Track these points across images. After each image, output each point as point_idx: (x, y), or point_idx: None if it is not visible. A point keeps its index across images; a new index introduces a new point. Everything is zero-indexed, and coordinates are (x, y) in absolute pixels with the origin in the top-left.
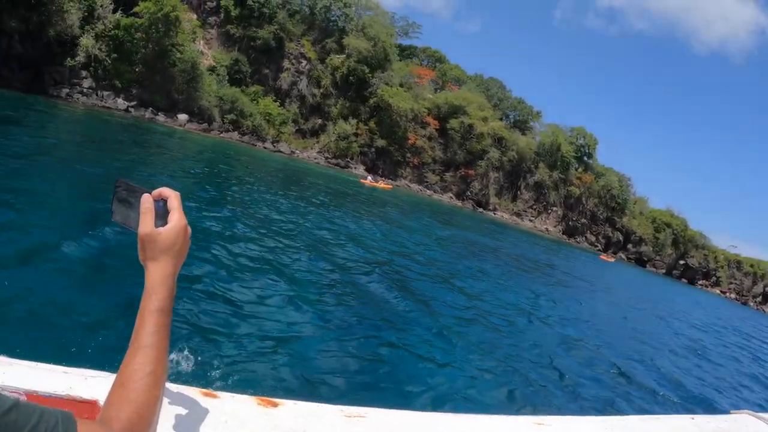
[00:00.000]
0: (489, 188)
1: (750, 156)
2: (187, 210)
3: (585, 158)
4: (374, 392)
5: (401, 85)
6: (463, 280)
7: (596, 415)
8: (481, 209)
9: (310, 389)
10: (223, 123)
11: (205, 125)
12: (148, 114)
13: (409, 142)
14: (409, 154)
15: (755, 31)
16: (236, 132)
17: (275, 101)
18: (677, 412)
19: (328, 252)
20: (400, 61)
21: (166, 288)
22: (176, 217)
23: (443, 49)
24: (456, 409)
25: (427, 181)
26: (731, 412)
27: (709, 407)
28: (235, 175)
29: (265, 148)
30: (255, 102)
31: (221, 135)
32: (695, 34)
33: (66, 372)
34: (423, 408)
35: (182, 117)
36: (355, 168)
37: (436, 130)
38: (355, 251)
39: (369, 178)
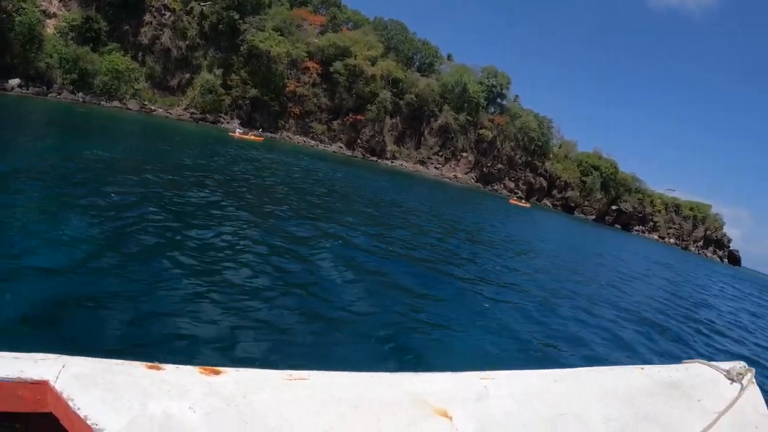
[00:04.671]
0: (385, 135)
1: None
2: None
3: (498, 99)
4: (315, 357)
5: (278, 30)
6: (372, 238)
7: (543, 368)
8: (375, 158)
9: (253, 358)
10: (63, 84)
11: (41, 89)
12: None
13: (288, 90)
14: (290, 104)
15: None
16: (81, 93)
17: (133, 58)
18: (628, 363)
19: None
20: (282, 5)
21: None
22: None
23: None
24: (399, 368)
25: (312, 132)
26: (683, 361)
27: (662, 357)
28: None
29: (114, 107)
30: (107, 61)
31: (59, 98)
32: None
33: (17, 357)
34: (366, 368)
35: (13, 81)
36: (228, 122)
37: (320, 75)
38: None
39: (237, 131)
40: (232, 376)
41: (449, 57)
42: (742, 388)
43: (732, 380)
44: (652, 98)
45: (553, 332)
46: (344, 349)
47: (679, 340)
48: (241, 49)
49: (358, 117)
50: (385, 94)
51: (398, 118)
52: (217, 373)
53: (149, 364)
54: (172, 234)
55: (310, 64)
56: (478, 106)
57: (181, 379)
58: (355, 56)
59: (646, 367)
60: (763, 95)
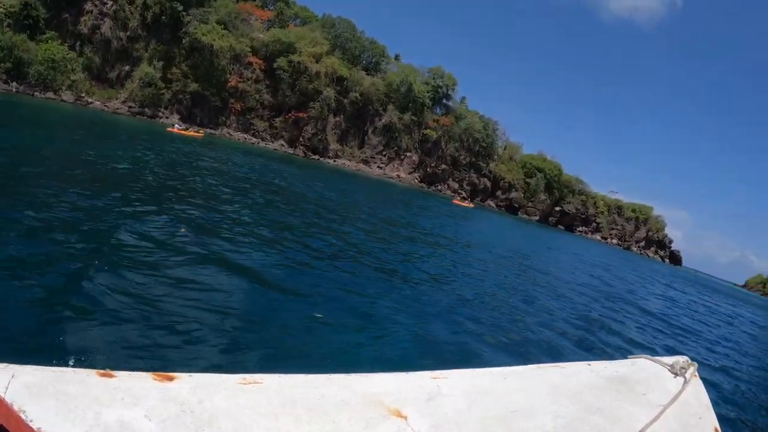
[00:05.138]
0: (327, 133)
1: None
2: None
3: (444, 100)
4: (270, 359)
5: (222, 24)
6: (313, 238)
7: (493, 366)
8: (317, 156)
9: (207, 362)
10: None
11: None
12: None
13: (230, 85)
14: (231, 100)
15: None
16: (15, 83)
17: (71, 47)
18: (575, 359)
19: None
20: None
21: None
22: None
23: None
24: (353, 369)
25: (254, 129)
26: (628, 357)
27: (610, 354)
28: None
29: (48, 98)
30: (43, 49)
31: None
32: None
33: None
34: (320, 370)
35: None
36: (167, 117)
37: (263, 71)
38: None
39: (176, 126)
40: (186, 382)
41: (397, 57)
42: (686, 382)
43: (676, 374)
44: (600, 104)
45: (498, 330)
46: (299, 351)
47: (621, 337)
48: (183, 41)
49: (301, 114)
50: (329, 92)
51: (342, 116)
52: (171, 379)
53: (101, 371)
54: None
55: (253, 59)
56: (423, 106)
57: (134, 386)
58: (300, 53)
59: (593, 363)
60: (704, 105)
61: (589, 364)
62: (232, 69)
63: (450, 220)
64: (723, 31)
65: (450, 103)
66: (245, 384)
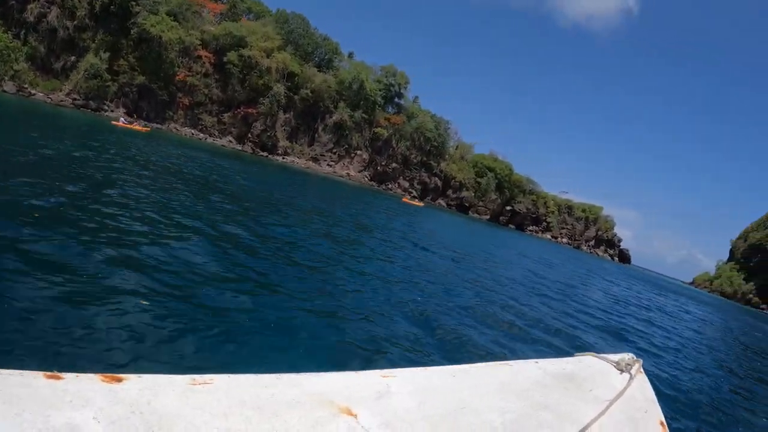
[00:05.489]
0: (277, 130)
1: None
2: None
3: (396, 99)
4: (221, 359)
5: (173, 15)
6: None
7: (442, 365)
8: (266, 153)
9: (156, 363)
10: None
11: None
12: None
13: (178, 78)
14: (180, 94)
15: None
16: None
17: (16, 36)
18: (523, 357)
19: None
20: None
21: None
22: None
23: None
24: (303, 368)
25: (202, 124)
26: (575, 354)
27: (557, 351)
28: None
29: None
30: None
31: None
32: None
33: None
34: (270, 369)
35: None
36: (113, 111)
37: (212, 65)
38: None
39: (121, 119)
40: (134, 383)
41: (350, 55)
42: (631, 378)
43: (621, 371)
44: (554, 107)
45: (445, 329)
46: (244, 351)
47: (567, 334)
48: (132, 32)
49: (250, 110)
50: (280, 88)
51: (292, 113)
52: (119, 380)
53: (48, 373)
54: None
55: (203, 52)
56: (374, 105)
57: (82, 387)
58: (251, 47)
59: (541, 360)
60: (653, 107)
61: (537, 362)
62: (181, 62)
63: (397, 219)
64: (676, 37)
65: (402, 102)
66: (195, 384)
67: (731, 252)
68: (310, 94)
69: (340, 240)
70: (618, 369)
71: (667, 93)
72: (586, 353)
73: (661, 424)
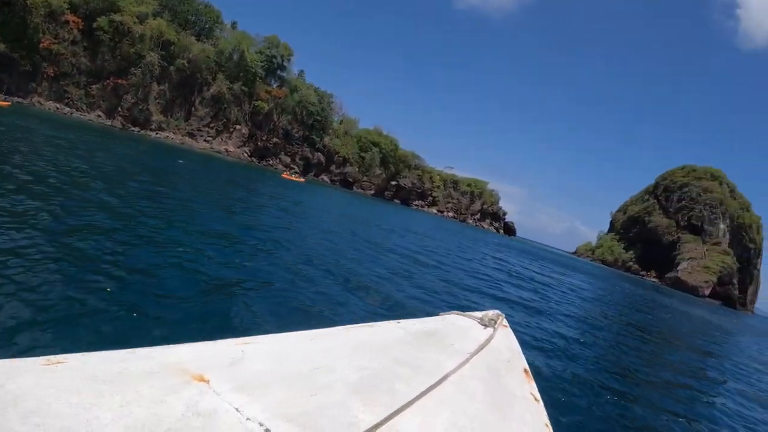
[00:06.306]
0: (150, 103)
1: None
2: None
3: (279, 71)
4: (75, 337)
5: None
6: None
7: (301, 329)
8: (137, 129)
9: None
10: None
11: None
12: None
13: (43, 46)
14: (44, 64)
15: None
16: None
17: None
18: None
19: None
20: None
21: None
22: None
23: None
24: (154, 342)
25: (68, 97)
26: (440, 314)
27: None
28: None
29: None
30: None
31: None
32: None
33: None
34: (121, 345)
35: None
36: None
37: (81, 31)
38: None
39: None
40: None
41: (234, 25)
42: (495, 331)
43: (485, 326)
44: (444, 84)
45: (310, 296)
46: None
47: (439, 300)
48: None
49: (121, 81)
50: (153, 57)
51: (167, 85)
52: None
53: None
54: None
55: (71, 17)
56: (255, 76)
57: None
58: (123, 12)
59: (403, 321)
60: (537, 89)
61: (399, 322)
62: (47, 28)
63: (273, 200)
64: (567, 24)
65: (285, 75)
66: (48, 365)
67: (611, 224)
68: (186, 65)
69: (205, 221)
70: (482, 324)
71: (552, 78)
72: (450, 312)
73: (525, 371)
